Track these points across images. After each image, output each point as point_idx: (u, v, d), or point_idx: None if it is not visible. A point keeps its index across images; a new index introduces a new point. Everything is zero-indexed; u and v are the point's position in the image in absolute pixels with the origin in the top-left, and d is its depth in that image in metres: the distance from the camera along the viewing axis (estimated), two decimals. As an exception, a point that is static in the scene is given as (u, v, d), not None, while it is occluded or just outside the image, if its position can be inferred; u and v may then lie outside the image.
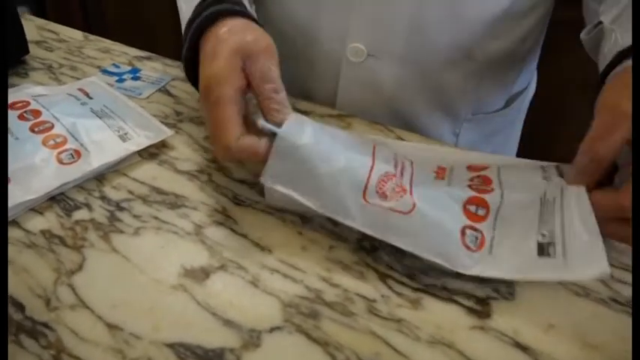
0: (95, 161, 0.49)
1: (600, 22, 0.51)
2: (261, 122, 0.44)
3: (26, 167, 0.47)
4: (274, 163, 0.43)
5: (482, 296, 0.41)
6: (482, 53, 0.61)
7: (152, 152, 0.53)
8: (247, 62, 0.45)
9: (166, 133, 0.54)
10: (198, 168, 0.52)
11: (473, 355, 0.37)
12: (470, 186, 0.45)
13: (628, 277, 0.42)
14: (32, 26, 0.77)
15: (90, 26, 1.89)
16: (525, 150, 0.75)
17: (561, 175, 0.44)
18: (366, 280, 0.42)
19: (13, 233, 0.44)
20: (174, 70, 0.69)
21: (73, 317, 0.38)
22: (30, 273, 0.41)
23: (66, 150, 0.50)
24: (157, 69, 0.69)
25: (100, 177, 0.50)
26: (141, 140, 0.53)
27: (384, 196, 0.42)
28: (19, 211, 0.46)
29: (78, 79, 0.65)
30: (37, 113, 0.53)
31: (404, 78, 0.63)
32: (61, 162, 0.48)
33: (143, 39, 1.21)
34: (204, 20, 0.48)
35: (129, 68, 0.68)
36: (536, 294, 0.41)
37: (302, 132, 0.44)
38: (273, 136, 0.43)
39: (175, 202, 0.48)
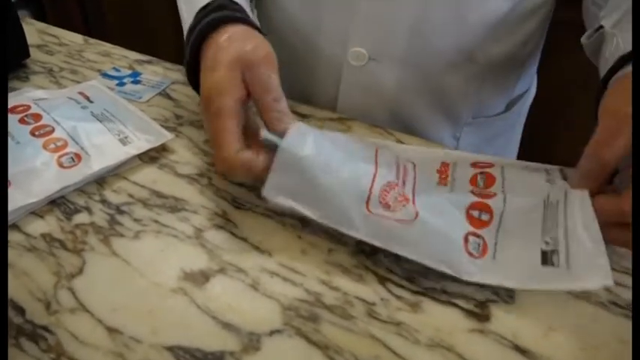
0: (95, 165, 0.49)
1: (601, 27, 0.51)
2: (264, 133, 0.44)
3: (27, 171, 0.47)
4: (276, 176, 0.43)
5: (482, 299, 0.41)
6: (483, 56, 0.61)
7: (152, 156, 0.54)
8: (247, 72, 0.45)
9: (166, 136, 0.54)
10: (199, 171, 0.52)
11: (472, 358, 0.37)
12: (472, 192, 0.45)
13: (627, 280, 0.42)
14: (33, 30, 0.78)
15: (90, 30, 1.90)
16: (526, 153, 0.75)
17: (565, 178, 0.44)
18: (366, 284, 0.42)
19: (13, 237, 0.45)
20: (174, 73, 0.69)
21: (73, 321, 0.38)
22: (30, 276, 0.41)
23: (66, 153, 0.50)
24: (158, 72, 0.69)
25: (101, 180, 0.50)
26: (141, 144, 0.53)
27: (386, 206, 0.42)
28: (19, 215, 0.46)
29: (78, 82, 0.65)
30: (37, 117, 0.53)
31: (405, 81, 0.63)
32: (61, 165, 0.49)
33: (143, 42, 1.21)
34: (205, 27, 0.48)
35: (129, 72, 0.69)
36: (535, 297, 0.41)
37: (304, 143, 0.44)
38: (274, 147, 0.43)
39: (175, 206, 0.48)
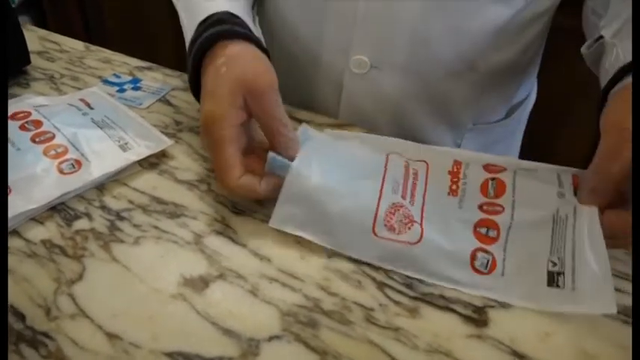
0: (96, 171, 0.50)
1: (601, 37, 0.51)
2: (270, 159, 0.46)
3: (27, 177, 0.48)
4: (283, 208, 0.45)
5: (480, 305, 0.41)
6: (484, 64, 0.61)
7: (152, 162, 0.54)
8: (250, 98, 0.46)
9: (166, 142, 0.54)
10: (198, 177, 0.52)
11: (470, 363, 0.37)
12: (481, 206, 0.46)
13: (626, 286, 0.42)
14: (34, 36, 0.78)
15: (90, 36, 1.90)
16: (525, 159, 0.75)
17: (576, 188, 0.44)
18: (364, 289, 0.42)
19: (13, 243, 0.45)
20: (174, 80, 0.69)
21: (73, 327, 0.38)
22: (30, 282, 0.42)
23: (67, 160, 0.50)
24: (158, 79, 0.69)
25: (101, 187, 0.51)
26: (141, 150, 0.53)
27: (392, 229, 0.44)
28: (19, 221, 0.46)
29: (79, 89, 0.65)
30: (38, 123, 0.53)
31: (406, 89, 0.63)
32: (61, 172, 0.49)
33: (144, 49, 1.22)
34: (205, 41, 0.49)
35: (129, 78, 0.69)
36: (533, 302, 0.41)
37: (309, 171, 0.46)
38: (279, 171, 0.46)
39: (175, 212, 0.48)
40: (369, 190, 0.46)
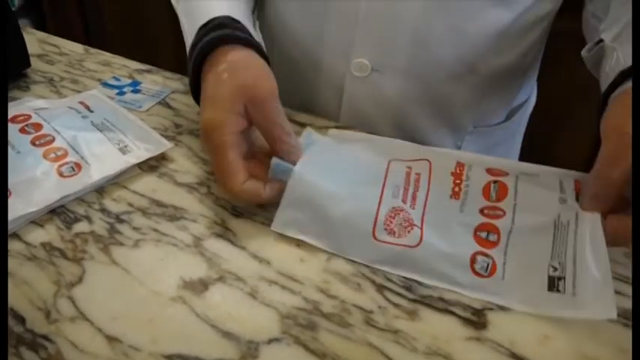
0: (95, 174, 0.50)
1: (601, 40, 0.51)
2: (274, 165, 0.46)
3: (27, 180, 0.48)
4: (285, 212, 0.46)
5: (479, 307, 0.41)
6: (485, 68, 0.62)
7: (152, 165, 0.54)
8: (250, 107, 0.46)
9: (166, 145, 0.55)
10: (198, 180, 0.53)
11: (469, 366, 0.37)
12: (482, 210, 0.46)
13: (626, 288, 0.42)
14: (34, 39, 0.78)
15: (90, 39, 1.90)
16: (525, 161, 0.75)
17: (578, 193, 0.44)
18: (364, 292, 0.42)
19: (13, 246, 0.45)
20: (174, 82, 0.69)
21: (73, 329, 0.38)
22: (30, 285, 0.42)
23: (66, 163, 0.50)
24: (157, 82, 0.69)
25: (100, 189, 0.51)
26: (141, 153, 0.53)
27: (392, 232, 0.44)
28: (19, 224, 0.46)
29: (79, 92, 0.65)
30: (38, 126, 0.53)
31: (407, 92, 0.63)
32: (61, 175, 0.49)
33: (143, 52, 1.22)
34: (206, 46, 0.49)
35: (129, 81, 0.69)
36: (532, 305, 0.41)
37: (311, 176, 0.46)
38: (281, 176, 0.46)
39: (175, 215, 0.48)
40: (370, 195, 0.46)
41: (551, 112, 1.11)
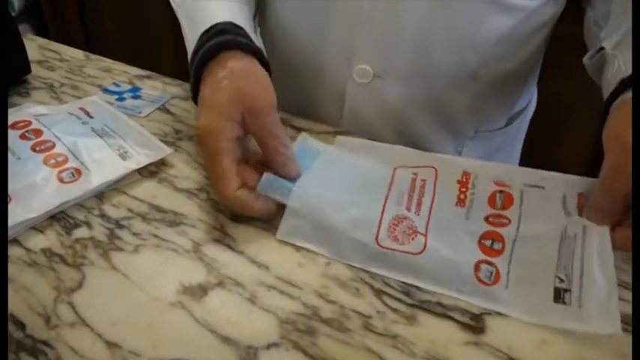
0: (95, 180, 0.50)
1: (602, 48, 0.52)
2: (269, 179, 0.46)
3: (27, 186, 0.48)
4: (289, 222, 0.46)
5: (477, 312, 0.41)
6: (487, 74, 0.62)
7: (152, 170, 0.54)
8: (247, 116, 0.46)
9: (166, 151, 0.55)
10: (197, 186, 0.53)
11: (467, 370, 0.37)
12: (487, 218, 0.46)
13: (626, 294, 0.42)
14: (34, 46, 0.78)
15: (91, 45, 1.91)
16: (525, 166, 0.75)
17: (581, 210, 0.45)
18: (362, 297, 0.42)
19: (13, 252, 0.45)
20: (173, 88, 0.70)
21: (73, 335, 0.39)
22: (30, 291, 0.42)
23: (67, 169, 0.50)
24: (157, 87, 0.70)
25: (100, 195, 0.51)
26: (141, 159, 0.53)
27: (395, 239, 0.44)
28: (19, 230, 0.46)
29: (79, 98, 0.66)
30: (38, 132, 0.54)
31: (409, 98, 0.63)
32: (61, 181, 0.49)
33: (143, 57, 1.22)
34: (208, 51, 0.49)
35: (129, 87, 0.69)
36: (530, 309, 0.41)
37: (315, 184, 0.47)
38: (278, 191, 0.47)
39: (174, 220, 0.49)
40: (373, 203, 0.47)
41: (551, 116, 1.11)
